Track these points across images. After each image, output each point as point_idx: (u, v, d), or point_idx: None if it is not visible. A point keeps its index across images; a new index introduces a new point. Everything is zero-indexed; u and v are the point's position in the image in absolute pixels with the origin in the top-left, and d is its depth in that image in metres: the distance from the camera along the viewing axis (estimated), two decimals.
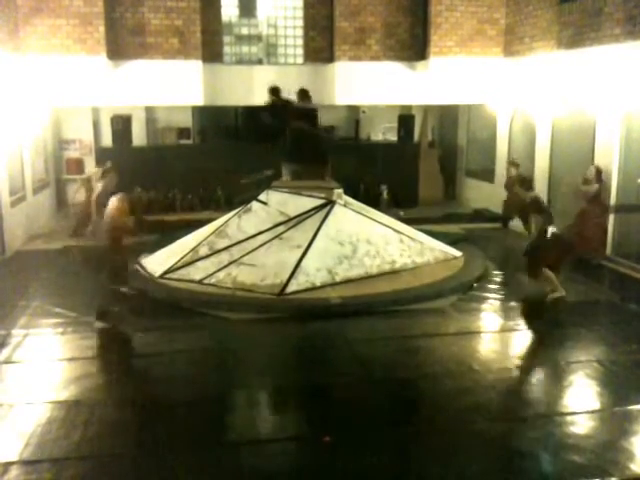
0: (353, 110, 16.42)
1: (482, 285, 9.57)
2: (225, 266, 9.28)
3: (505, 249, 11.82)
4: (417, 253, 10.06)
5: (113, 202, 8.58)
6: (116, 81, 12.90)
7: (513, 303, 8.85)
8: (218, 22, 14.23)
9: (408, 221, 11.75)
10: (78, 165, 15.52)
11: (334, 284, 8.97)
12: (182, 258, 9.74)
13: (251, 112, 13.65)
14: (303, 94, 11.08)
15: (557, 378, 6.59)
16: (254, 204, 10.56)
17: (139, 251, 10.45)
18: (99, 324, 7.90)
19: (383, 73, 13.97)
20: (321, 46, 14.59)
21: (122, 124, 14.83)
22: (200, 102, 13.65)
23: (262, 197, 10.59)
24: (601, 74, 10.73)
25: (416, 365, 6.97)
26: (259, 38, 15.27)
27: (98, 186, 12.16)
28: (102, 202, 11.52)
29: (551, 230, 8.63)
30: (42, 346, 7.45)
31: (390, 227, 10.56)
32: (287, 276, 8.90)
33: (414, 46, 14.13)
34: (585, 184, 10.71)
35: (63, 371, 6.80)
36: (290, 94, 11.16)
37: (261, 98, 11.41)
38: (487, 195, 15.09)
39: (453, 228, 13.00)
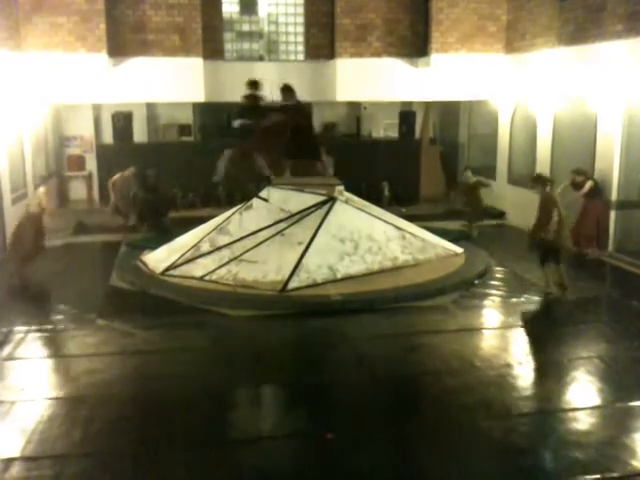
0: (354, 107, 16.39)
1: (484, 282, 9.57)
2: (226, 263, 9.28)
3: (506, 245, 11.80)
4: (418, 250, 10.05)
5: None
6: (117, 78, 12.90)
7: (515, 300, 8.85)
8: (219, 19, 14.23)
9: (409, 218, 11.74)
10: (79, 162, 15.52)
11: (335, 281, 8.96)
12: (183, 255, 9.73)
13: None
14: (286, 90, 10.72)
15: (558, 375, 6.58)
16: (255, 201, 10.55)
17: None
18: (101, 321, 7.92)
19: (384, 70, 13.95)
20: (322, 43, 14.58)
21: (123, 121, 14.82)
22: (201, 99, 13.64)
23: (263, 194, 10.57)
24: (603, 70, 10.70)
25: (418, 362, 6.97)
26: (260, 35, 15.26)
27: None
28: (118, 188, 12.12)
29: None
30: (44, 343, 7.46)
31: (391, 224, 10.54)
32: (288, 273, 8.89)
33: (415, 43, 14.11)
34: (577, 189, 10.63)
35: (65, 368, 6.81)
36: (272, 90, 10.89)
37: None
38: (489, 192, 15.04)
39: (454, 225, 12.98)
